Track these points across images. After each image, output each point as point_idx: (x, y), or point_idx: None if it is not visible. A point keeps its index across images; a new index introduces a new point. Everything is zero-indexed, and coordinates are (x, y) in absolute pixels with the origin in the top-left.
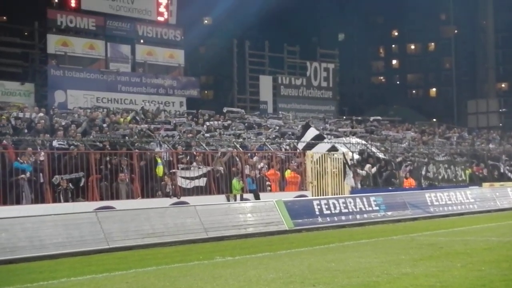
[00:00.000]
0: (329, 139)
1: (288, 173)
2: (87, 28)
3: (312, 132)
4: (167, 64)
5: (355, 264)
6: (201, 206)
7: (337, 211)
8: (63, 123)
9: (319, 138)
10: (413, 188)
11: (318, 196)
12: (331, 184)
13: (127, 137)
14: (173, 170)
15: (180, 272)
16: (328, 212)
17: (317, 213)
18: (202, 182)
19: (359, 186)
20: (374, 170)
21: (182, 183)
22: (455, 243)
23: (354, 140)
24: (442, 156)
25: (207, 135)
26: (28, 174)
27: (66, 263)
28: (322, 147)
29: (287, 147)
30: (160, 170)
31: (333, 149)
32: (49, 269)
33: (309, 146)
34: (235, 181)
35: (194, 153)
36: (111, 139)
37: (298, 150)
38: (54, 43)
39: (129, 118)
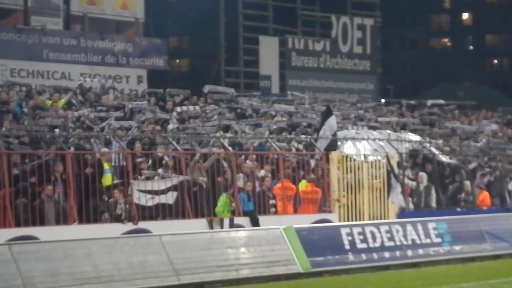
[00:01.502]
0: (359, 130)
1: (303, 186)
2: None
3: (333, 122)
4: (118, 19)
5: None
6: (170, 236)
7: (377, 244)
8: None
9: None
10: (494, 209)
11: (348, 221)
12: (368, 203)
13: (57, 130)
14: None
15: None
16: (364, 245)
17: (348, 247)
18: (170, 198)
19: (411, 206)
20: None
21: (140, 199)
22: None
23: (404, 135)
24: None
25: (180, 127)
26: None
27: None
28: (320, 143)
29: (301, 147)
30: (107, 180)
31: (331, 146)
32: None
33: (332, 143)
34: (224, 199)
35: (160, 154)
36: (33, 133)
37: (319, 151)
38: None
39: (63, 101)
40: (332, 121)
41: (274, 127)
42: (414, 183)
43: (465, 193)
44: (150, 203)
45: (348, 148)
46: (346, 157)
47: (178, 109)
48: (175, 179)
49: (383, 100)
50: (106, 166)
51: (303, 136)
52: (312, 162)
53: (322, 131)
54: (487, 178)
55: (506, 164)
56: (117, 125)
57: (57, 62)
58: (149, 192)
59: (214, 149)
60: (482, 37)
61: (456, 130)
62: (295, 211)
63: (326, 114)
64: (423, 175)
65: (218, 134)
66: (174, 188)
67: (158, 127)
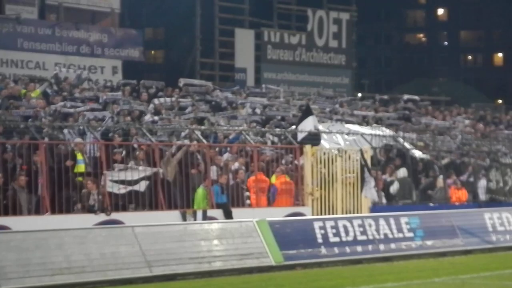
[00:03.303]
0: (332, 125)
1: (275, 179)
2: None
3: (312, 123)
4: (93, 9)
5: None
6: (143, 227)
7: (350, 238)
8: None
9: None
10: (466, 205)
11: (321, 214)
12: (341, 197)
13: (30, 120)
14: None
15: None
16: (337, 239)
17: (320, 240)
18: (143, 186)
19: (384, 200)
20: (405, 175)
21: (113, 188)
22: None
23: (377, 130)
24: None
25: (154, 118)
26: None
27: None
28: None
29: (275, 139)
30: (80, 171)
31: (312, 140)
32: None
33: (311, 138)
34: (201, 191)
35: (135, 145)
36: (6, 122)
37: (297, 143)
38: None
39: (38, 91)
40: (312, 120)
41: (247, 119)
42: (393, 178)
43: (438, 188)
44: (123, 190)
45: (322, 142)
46: (320, 151)
47: (154, 101)
48: (148, 171)
49: (359, 95)
50: (79, 156)
51: (277, 129)
52: (285, 156)
53: (301, 125)
54: (463, 176)
55: (478, 160)
56: (91, 116)
57: (31, 52)
58: (122, 182)
59: (186, 141)
60: (456, 33)
61: (430, 125)
62: (269, 204)
63: (306, 112)
64: (391, 169)
65: (192, 126)
66: (147, 178)
67: (130, 119)
